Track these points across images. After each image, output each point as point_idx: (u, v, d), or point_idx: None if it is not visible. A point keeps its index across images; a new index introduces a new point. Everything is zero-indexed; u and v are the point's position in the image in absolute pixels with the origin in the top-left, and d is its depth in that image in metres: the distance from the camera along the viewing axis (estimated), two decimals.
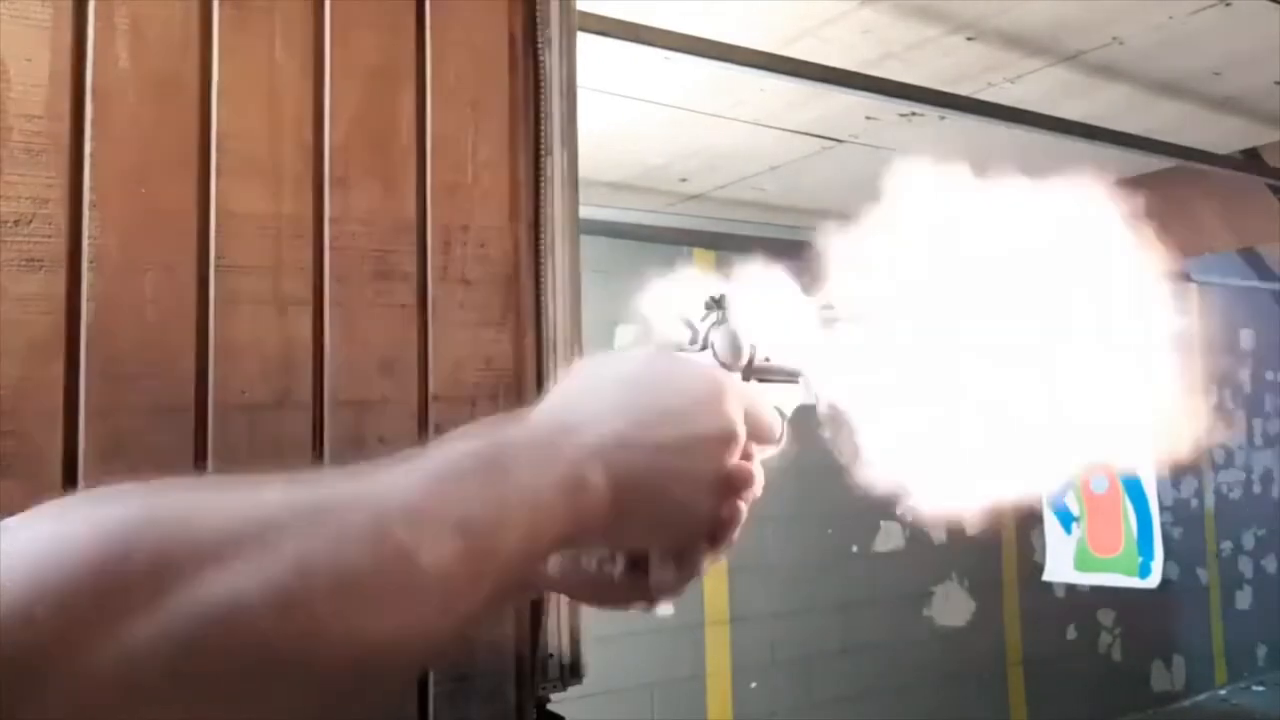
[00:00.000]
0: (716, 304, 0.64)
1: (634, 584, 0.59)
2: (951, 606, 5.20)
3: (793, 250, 0.71)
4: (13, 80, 0.81)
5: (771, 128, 3.26)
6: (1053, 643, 5.59)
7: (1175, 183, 4.59)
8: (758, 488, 0.58)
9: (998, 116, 2.77)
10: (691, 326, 0.64)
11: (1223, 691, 6.43)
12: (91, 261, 0.83)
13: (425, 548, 0.42)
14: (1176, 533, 6.21)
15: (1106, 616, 5.87)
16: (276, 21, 0.92)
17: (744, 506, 0.57)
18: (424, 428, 0.96)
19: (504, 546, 0.46)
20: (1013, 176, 0.66)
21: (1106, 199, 0.66)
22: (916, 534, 5.10)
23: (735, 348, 0.64)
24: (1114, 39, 2.71)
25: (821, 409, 0.70)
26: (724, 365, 0.63)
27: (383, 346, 0.94)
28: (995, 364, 0.62)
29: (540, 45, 1.07)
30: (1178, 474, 6.34)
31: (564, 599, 0.99)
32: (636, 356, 0.59)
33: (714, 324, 0.64)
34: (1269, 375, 7.17)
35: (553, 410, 0.54)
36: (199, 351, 0.87)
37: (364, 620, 0.40)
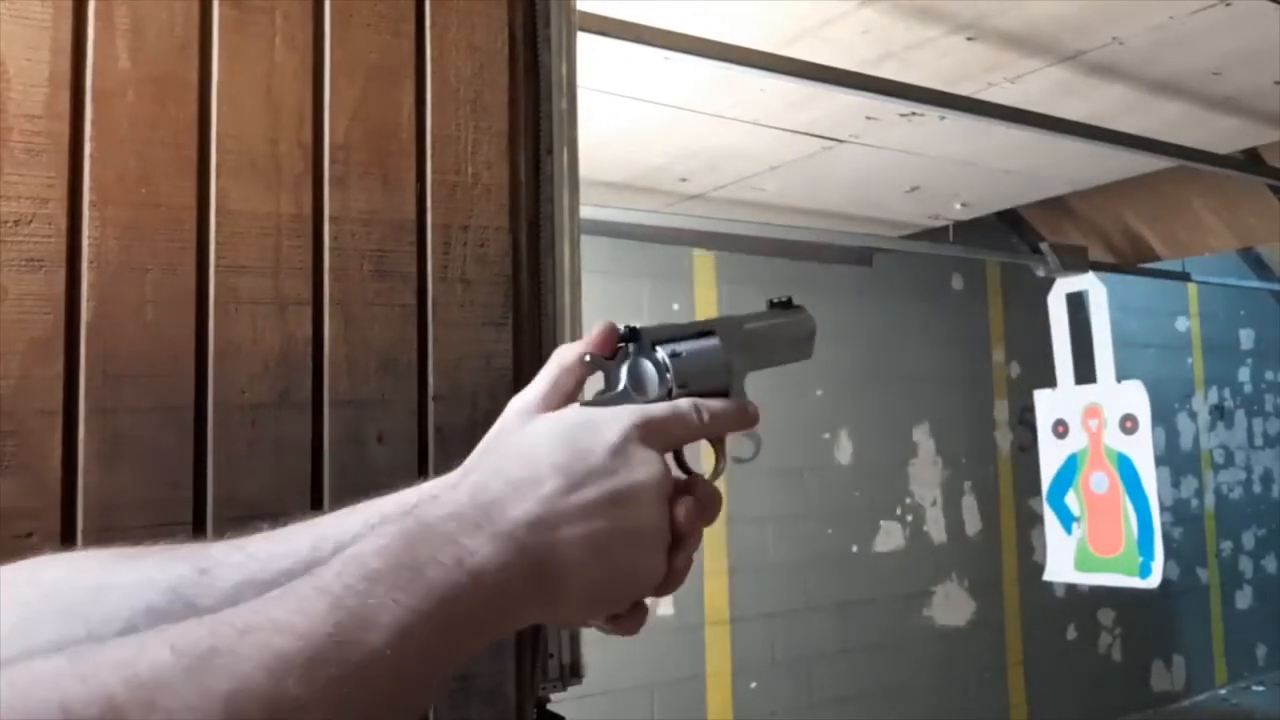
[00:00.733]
0: (624, 338, 0.59)
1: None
2: (951, 606, 5.20)
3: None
4: (13, 80, 0.81)
5: (771, 128, 3.26)
6: (1053, 643, 5.59)
7: (1175, 182, 4.59)
8: (715, 508, 0.55)
9: (998, 116, 2.77)
10: (604, 370, 0.59)
11: (1223, 691, 6.43)
12: (91, 261, 0.83)
13: (319, 697, 0.39)
14: (1176, 533, 6.22)
15: (1106, 616, 5.87)
16: (277, 21, 0.92)
17: (691, 553, 0.53)
18: (424, 428, 0.96)
19: (409, 664, 0.42)
20: None
21: None
22: (916, 534, 5.10)
23: (647, 377, 0.59)
24: (1114, 39, 2.71)
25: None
26: (647, 399, 0.58)
27: (383, 346, 0.94)
28: None
29: (540, 45, 1.07)
30: (1177, 474, 6.35)
31: None
32: (555, 417, 0.55)
33: (626, 361, 0.59)
34: (1269, 375, 7.17)
35: (475, 483, 0.51)
36: (199, 351, 0.87)
37: None
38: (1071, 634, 5.70)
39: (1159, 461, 4.84)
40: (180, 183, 0.87)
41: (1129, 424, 3.80)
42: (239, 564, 0.52)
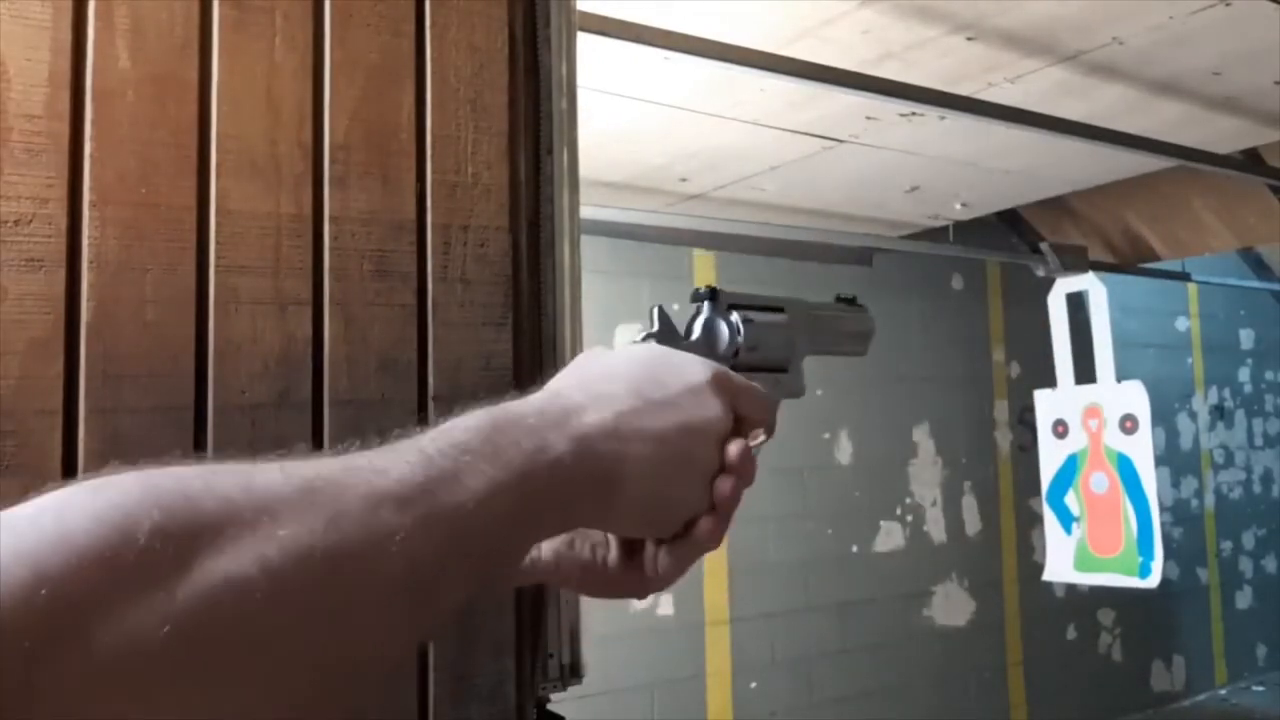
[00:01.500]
0: (704, 296, 0.65)
1: (627, 573, 0.60)
2: (951, 606, 5.20)
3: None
4: (13, 80, 0.81)
5: (771, 128, 3.26)
6: (1053, 643, 5.59)
7: (1175, 183, 4.59)
8: (751, 475, 0.59)
9: (998, 116, 2.77)
10: (669, 320, 0.64)
11: (1223, 691, 6.43)
12: (91, 261, 0.83)
13: (410, 530, 0.43)
14: (1176, 533, 6.22)
15: (1106, 616, 5.87)
16: (276, 21, 0.92)
17: (739, 493, 0.58)
18: (424, 428, 0.95)
19: (491, 526, 0.47)
20: None
21: None
22: (916, 534, 5.10)
23: (719, 334, 0.64)
24: (1114, 39, 2.71)
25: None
26: (713, 355, 0.63)
27: (383, 346, 0.94)
28: None
29: (540, 45, 1.07)
30: (1177, 474, 6.35)
31: (564, 597, 0.99)
32: (638, 348, 0.60)
33: (703, 316, 0.64)
34: (1269, 375, 7.18)
35: (560, 390, 0.55)
36: (199, 351, 0.87)
37: (351, 603, 0.41)
38: (1071, 634, 5.70)
39: (1159, 461, 4.84)
40: (180, 183, 0.87)
41: (1129, 424, 3.80)
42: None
